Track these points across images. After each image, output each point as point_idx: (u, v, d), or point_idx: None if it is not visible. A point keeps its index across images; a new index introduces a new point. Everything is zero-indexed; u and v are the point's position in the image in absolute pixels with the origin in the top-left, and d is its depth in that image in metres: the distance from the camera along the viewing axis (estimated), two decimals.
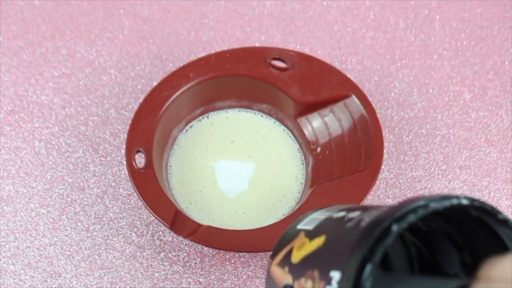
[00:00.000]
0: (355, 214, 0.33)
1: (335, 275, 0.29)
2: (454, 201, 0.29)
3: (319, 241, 0.33)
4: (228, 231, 0.55)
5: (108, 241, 0.60)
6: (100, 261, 0.59)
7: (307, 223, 0.37)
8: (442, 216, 0.32)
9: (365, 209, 0.33)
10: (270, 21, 0.71)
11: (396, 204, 0.30)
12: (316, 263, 0.32)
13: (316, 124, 0.62)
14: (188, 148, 0.63)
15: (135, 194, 0.61)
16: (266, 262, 0.59)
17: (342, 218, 0.34)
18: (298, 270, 0.33)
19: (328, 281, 0.30)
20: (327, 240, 0.33)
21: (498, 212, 0.30)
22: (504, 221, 0.30)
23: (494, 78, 0.69)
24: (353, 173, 0.58)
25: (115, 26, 0.71)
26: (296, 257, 0.34)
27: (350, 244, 0.30)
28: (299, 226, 0.38)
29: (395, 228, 0.28)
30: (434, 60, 0.69)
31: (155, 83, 0.66)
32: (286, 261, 0.35)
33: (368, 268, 0.28)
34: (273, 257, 0.38)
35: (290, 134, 0.64)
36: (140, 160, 0.58)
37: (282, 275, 0.35)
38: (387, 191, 0.63)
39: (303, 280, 0.32)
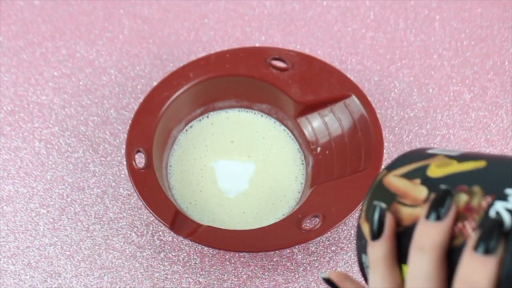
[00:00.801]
0: None
1: None
2: None
3: (477, 164, 0.33)
4: (228, 231, 0.55)
5: (108, 241, 0.60)
6: (100, 261, 0.59)
7: (442, 151, 0.37)
8: None
9: None
10: (270, 21, 0.71)
11: None
12: (476, 180, 0.32)
13: (316, 124, 0.62)
14: (188, 148, 0.63)
15: (135, 194, 0.61)
16: (266, 262, 0.59)
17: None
18: (443, 183, 0.33)
19: (503, 196, 0.30)
20: (490, 163, 0.33)
21: None
22: None
23: (494, 78, 0.69)
24: (353, 173, 0.58)
25: (115, 26, 0.71)
26: (437, 173, 0.34)
27: None
28: (431, 151, 0.37)
29: None
30: (434, 60, 0.69)
31: (155, 83, 0.66)
32: (417, 174, 0.35)
33: None
34: (389, 169, 0.37)
35: (290, 134, 0.64)
36: (140, 160, 0.58)
37: (408, 186, 0.35)
38: None
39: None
